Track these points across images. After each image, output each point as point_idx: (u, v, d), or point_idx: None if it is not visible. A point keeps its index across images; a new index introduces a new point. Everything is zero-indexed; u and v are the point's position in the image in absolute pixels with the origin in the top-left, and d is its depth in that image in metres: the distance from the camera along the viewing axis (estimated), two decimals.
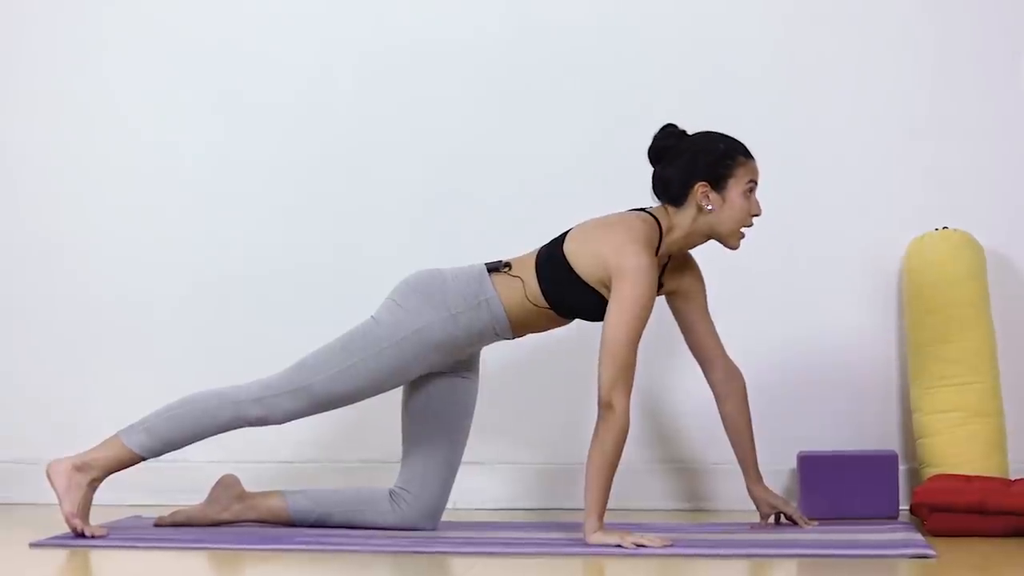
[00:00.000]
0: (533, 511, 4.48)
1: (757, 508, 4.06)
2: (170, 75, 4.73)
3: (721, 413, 4.04)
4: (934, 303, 4.25)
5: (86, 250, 4.74)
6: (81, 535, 3.82)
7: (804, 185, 4.46)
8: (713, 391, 4.04)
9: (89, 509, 3.87)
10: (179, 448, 3.92)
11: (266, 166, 4.69)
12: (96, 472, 3.88)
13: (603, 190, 4.45)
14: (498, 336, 3.89)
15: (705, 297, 4.02)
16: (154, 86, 4.73)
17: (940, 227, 4.34)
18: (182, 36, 4.73)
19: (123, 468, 3.92)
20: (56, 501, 3.87)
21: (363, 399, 3.91)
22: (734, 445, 4.05)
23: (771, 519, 4.06)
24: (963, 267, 4.26)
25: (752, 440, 4.04)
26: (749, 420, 4.04)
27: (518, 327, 3.88)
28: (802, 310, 4.47)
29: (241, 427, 3.91)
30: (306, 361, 3.87)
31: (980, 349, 4.23)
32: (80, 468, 3.86)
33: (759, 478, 4.05)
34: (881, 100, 4.46)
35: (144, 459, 3.91)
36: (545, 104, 4.58)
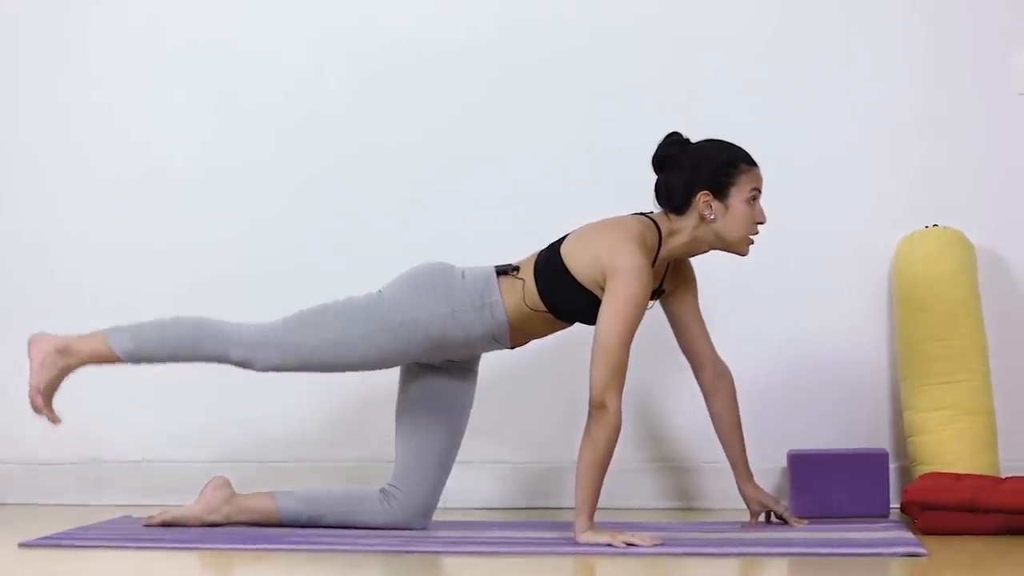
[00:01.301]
0: (524, 510, 4.48)
1: (747, 507, 4.06)
2: (161, 76, 4.72)
3: (710, 411, 4.04)
4: (925, 301, 4.25)
5: (79, 252, 4.73)
6: (39, 412, 3.90)
7: (794, 184, 4.45)
8: (702, 390, 4.05)
9: (54, 392, 3.92)
10: (157, 363, 3.94)
11: (260, 167, 4.68)
12: (74, 360, 3.93)
13: (595, 190, 4.46)
14: (496, 342, 3.88)
15: (697, 298, 4.02)
16: (145, 87, 4.72)
17: (930, 225, 4.34)
18: (172, 37, 4.72)
19: (100, 364, 3.95)
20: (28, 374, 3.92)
21: (349, 371, 3.92)
22: (724, 443, 4.05)
23: (761, 518, 4.06)
24: (953, 264, 4.27)
25: (742, 438, 4.04)
26: (738, 418, 4.04)
27: (518, 333, 3.87)
28: (792, 308, 4.47)
29: (222, 364, 3.92)
30: (303, 319, 3.88)
31: (971, 347, 4.23)
32: (61, 352, 3.91)
33: (749, 476, 4.05)
34: (870, 99, 4.47)
35: (123, 362, 3.94)
36: (538, 104, 4.57)
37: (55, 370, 3.91)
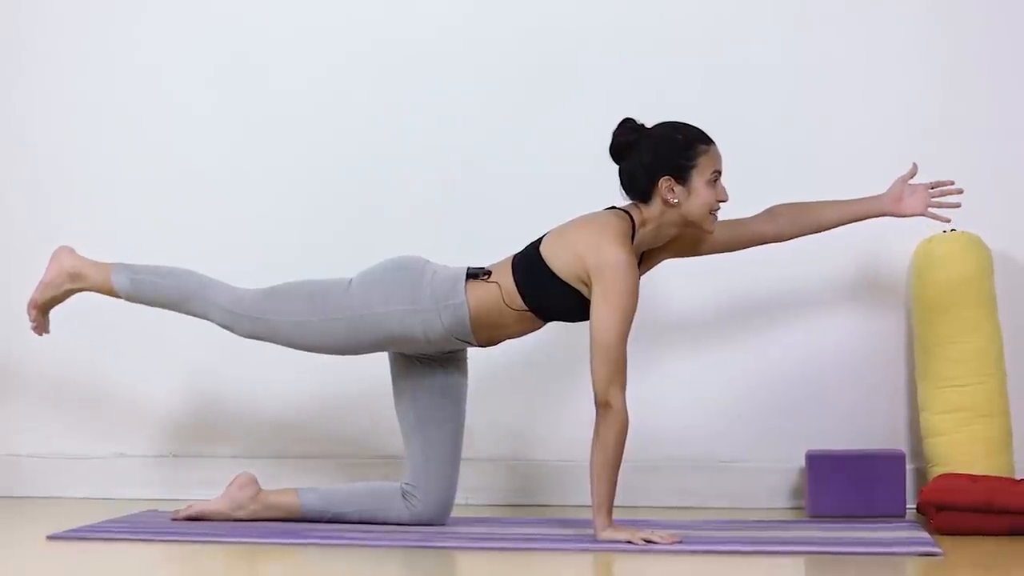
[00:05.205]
0: (544, 507, 4.50)
1: (893, 197, 4.02)
2: (180, 72, 4.74)
3: (809, 218, 4.03)
4: (942, 304, 4.27)
5: (101, 243, 4.74)
6: (31, 322, 4.14)
7: (814, 185, 4.44)
8: (779, 231, 4.03)
9: (52, 307, 4.14)
10: (151, 306, 4.10)
11: (278, 170, 4.68)
12: (80, 286, 4.11)
13: (611, 188, 4.48)
14: (460, 341, 3.90)
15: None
16: (164, 83, 4.74)
17: (948, 229, 4.36)
18: (191, 33, 4.75)
19: (98, 293, 4.13)
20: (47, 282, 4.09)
21: (314, 352, 3.99)
22: (831, 210, 4.04)
23: (904, 183, 4.02)
24: (971, 268, 4.29)
25: (835, 202, 4.03)
26: (817, 203, 4.03)
27: (483, 331, 3.88)
28: (812, 310, 4.48)
29: (207, 321, 4.04)
30: (274, 295, 3.97)
31: (987, 350, 4.26)
32: (72, 277, 4.10)
33: (875, 197, 4.03)
34: (890, 101, 4.48)
35: (120, 298, 4.10)
36: (558, 100, 4.57)
37: (59, 290, 4.12)
